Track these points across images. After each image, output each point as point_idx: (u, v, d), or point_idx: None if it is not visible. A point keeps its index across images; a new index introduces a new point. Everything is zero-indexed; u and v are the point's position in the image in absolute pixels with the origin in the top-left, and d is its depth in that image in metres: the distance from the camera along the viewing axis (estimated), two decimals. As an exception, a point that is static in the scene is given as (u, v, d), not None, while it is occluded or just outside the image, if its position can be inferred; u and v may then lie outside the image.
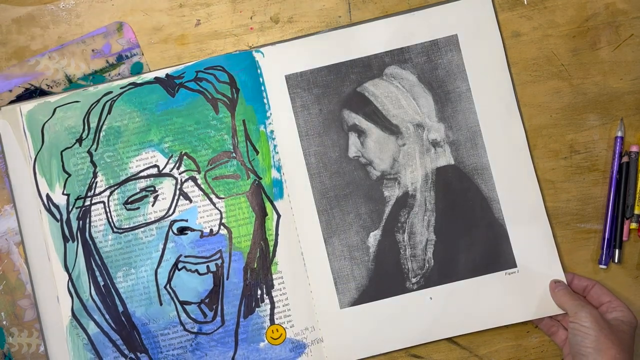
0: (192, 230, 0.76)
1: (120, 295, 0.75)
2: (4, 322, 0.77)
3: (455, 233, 0.77)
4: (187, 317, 0.75)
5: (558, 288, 0.74)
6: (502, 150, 0.77)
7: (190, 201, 0.76)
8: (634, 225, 0.77)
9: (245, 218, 0.76)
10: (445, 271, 0.76)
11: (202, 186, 0.76)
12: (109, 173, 0.76)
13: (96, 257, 0.76)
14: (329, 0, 0.79)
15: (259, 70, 0.78)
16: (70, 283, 0.75)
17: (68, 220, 0.76)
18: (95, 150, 0.76)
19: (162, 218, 0.76)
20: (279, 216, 0.77)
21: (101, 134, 0.77)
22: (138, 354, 0.75)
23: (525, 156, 0.77)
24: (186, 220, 0.76)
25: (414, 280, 0.76)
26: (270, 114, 0.77)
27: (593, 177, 0.78)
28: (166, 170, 0.76)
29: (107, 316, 0.75)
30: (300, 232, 0.77)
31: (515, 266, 0.76)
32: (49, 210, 0.76)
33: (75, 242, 0.76)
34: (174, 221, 0.76)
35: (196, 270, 0.75)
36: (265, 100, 0.77)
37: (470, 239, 0.76)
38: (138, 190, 0.76)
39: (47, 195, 0.76)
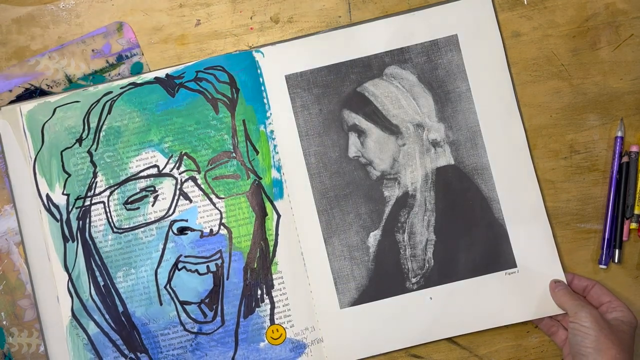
0: (192, 230, 0.76)
1: (120, 295, 0.75)
2: (4, 322, 0.77)
3: (455, 233, 0.77)
4: (187, 317, 0.75)
5: (558, 288, 0.74)
6: (502, 150, 0.77)
7: (190, 201, 0.76)
8: (634, 225, 0.77)
9: (245, 218, 0.76)
10: (445, 271, 0.76)
11: (202, 186, 0.76)
12: (109, 173, 0.76)
13: (96, 257, 0.76)
14: (329, 0, 0.79)
15: (259, 70, 0.78)
16: (70, 283, 0.75)
17: (68, 220, 0.76)
18: (95, 150, 0.76)
19: (162, 218, 0.76)
20: (279, 216, 0.77)
21: (101, 134, 0.77)
22: (138, 354, 0.75)
23: (525, 156, 0.77)
24: (186, 220, 0.76)
25: (414, 280, 0.76)
26: (270, 114, 0.77)
27: (593, 177, 0.78)
28: (166, 170, 0.76)
29: (107, 316, 0.75)
30: (300, 232, 0.77)
31: (515, 266, 0.76)
32: (48, 210, 0.76)
33: (75, 242, 0.76)
34: (174, 221, 0.76)
35: (196, 270, 0.75)
36: (265, 100, 0.77)
37: (470, 239, 0.76)
38: (138, 190, 0.76)
39: (47, 195, 0.76)
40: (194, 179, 0.76)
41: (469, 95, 0.78)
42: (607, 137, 0.78)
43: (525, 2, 0.79)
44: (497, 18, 0.78)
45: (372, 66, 0.78)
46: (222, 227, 0.76)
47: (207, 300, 0.75)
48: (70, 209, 0.76)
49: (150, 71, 0.78)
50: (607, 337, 0.67)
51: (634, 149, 0.77)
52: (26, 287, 0.77)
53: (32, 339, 0.77)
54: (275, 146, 0.77)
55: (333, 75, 0.78)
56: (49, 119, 0.77)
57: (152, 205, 0.76)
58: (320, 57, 0.78)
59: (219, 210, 0.76)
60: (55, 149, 0.76)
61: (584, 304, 0.71)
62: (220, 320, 0.75)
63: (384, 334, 0.76)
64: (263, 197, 0.77)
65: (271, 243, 0.76)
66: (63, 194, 0.76)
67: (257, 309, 0.76)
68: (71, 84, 0.79)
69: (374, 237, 0.77)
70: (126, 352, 0.75)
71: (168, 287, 0.75)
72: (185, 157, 0.76)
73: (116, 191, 0.76)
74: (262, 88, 0.78)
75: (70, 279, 0.75)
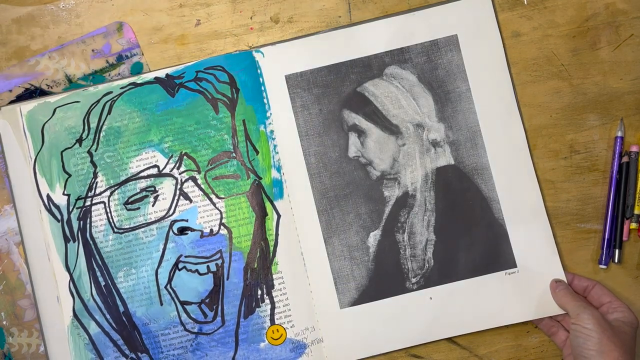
0: (193, 230, 0.76)
1: (121, 295, 0.75)
2: (4, 322, 0.77)
3: (455, 233, 0.77)
4: (187, 317, 0.75)
5: (559, 288, 0.74)
6: (502, 150, 0.77)
7: (191, 201, 0.76)
8: (634, 225, 0.77)
9: (245, 218, 0.76)
10: (445, 271, 0.76)
11: (202, 186, 0.76)
12: (109, 173, 0.76)
13: (97, 257, 0.76)
14: (329, 0, 0.79)
15: (259, 70, 0.78)
16: (71, 283, 0.75)
17: (69, 220, 0.76)
18: (95, 151, 0.76)
19: (163, 218, 0.76)
20: (279, 216, 0.77)
21: (101, 134, 0.77)
22: (139, 354, 0.75)
23: (525, 156, 0.77)
24: (186, 220, 0.76)
25: (414, 280, 0.76)
26: (270, 114, 0.77)
27: (593, 177, 0.78)
28: (166, 171, 0.76)
29: (108, 316, 0.75)
30: (300, 232, 0.77)
31: (515, 266, 0.76)
32: (49, 211, 0.76)
33: (76, 243, 0.76)
34: (174, 221, 0.76)
35: (196, 271, 0.75)
36: (265, 100, 0.77)
37: (470, 239, 0.76)
38: (138, 191, 0.76)
39: (48, 196, 0.76)
40: (194, 179, 0.76)
41: (469, 95, 0.78)
42: (607, 137, 0.78)
43: (525, 2, 0.79)
44: (497, 18, 0.78)
45: (372, 66, 0.78)
46: (222, 227, 0.76)
47: (207, 301, 0.75)
48: (71, 209, 0.76)
49: (150, 71, 0.78)
50: (609, 339, 0.67)
51: (634, 149, 0.77)
52: (26, 287, 0.77)
53: (32, 339, 0.77)
54: (275, 146, 0.77)
55: (333, 75, 0.78)
56: (49, 119, 0.77)
57: (153, 206, 0.76)
58: (320, 57, 0.78)
59: (219, 210, 0.76)
60: (56, 149, 0.76)
61: (585, 305, 0.70)
62: (220, 321, 0.75)
63: (384, 334, 0.76)
64: (263, 197, 0.77)
65: (271, 243, 0.76)
66: (63, 194, 0.76)
67: (257, 309, 0.76)
68: (71, 84, 0.79)
69: (374, 237, 0.77)
70: (127, 352, 0.75)
71: (168, 287, 0.75)
72: (185, 157, 0.76)
73: (116, 191, 0.76)
74: (262, 88, 0.78)
75: (72, 279, 0.75)
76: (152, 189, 0.76)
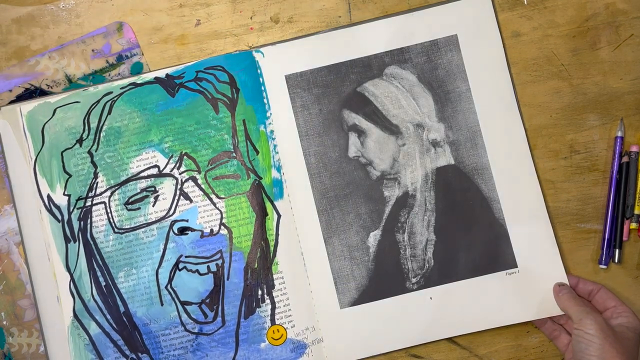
0: (193, 230, 0.76)
1: (121, 295, 0.75)
2: (4, 322, 0.77)
3: (455, 233, 0.77)
4: (188, 317, 0.75)
5: (562, 292, 0.73)
6: (502, 150, 0.77)
7: (191, 201, 0.76)
8: (634, 225, 0.77)
9: (245, 218, 0.76)
10: (445, 271, 0.76)
11: (203, 186, 0.76)
12: (109, 173, 0.76)
13: (97, 257, 0.76)
14: (329, 0, 0.79)
15: (259, 70, 0.78)
16: (72, 283, 0.75)
17: (69, 220, 0.76)
18: (95, 151, 0.76)
19: (163, 218, 0.76)
20: (279, 216, 0.77)
21: (101, 135, 0.77)
22: (139, 354, 0.75)
23: (526, 156, 0.77)
24: (187, 221, 0.76)
25: (414, 280, 0.76)
26: (270, 114, 0.77)
27: (593, 177, 0.78)
28: (166, 171, 0.76)
29: (108, 316, 0.75)
30: (300, 232, 0.77)
31: (516, 266, 0.76)
32: (50, 211, 0.76)
33: (77, 243, 0.76)
34: (175, 221, 0.76)
35: (197, 271, 0.75)
36: (265, 100, 0.77)
37: (471, 239, 0.77)
38: (139, 191, 0.76)
39: (48, 196, 0.76)
40: (194, 179, 0.76)
41: (469, 95, 0.78)
42: (607, 137, 0.78)
43: (525, 2, 0.79)
44: (497, 18, 0.78)
45: (372, 66, 0.78)
46: (222, 227, 0.76)
47: (207, 301, 0.75)
48: (71, 210, 0.76)
49: (150, 71, 0.78)
50: (611, 346, 0.66)
51: (634, 149, 0.77)
52: (26, 287, 0.77)
53: (32, 339, 0.77)
54: (275, 146, 0.77)
55: (333, 75, 0.78)
56: (49, 119, 0.77)
57: (153, 206, 0.76)
58: (320, 57, 0.78)
59: (220, 210, 0.76)
60: (56, 150, 0.76)
61: (589, 310, 0.70)
62: (220, 321, 0.75)
63: (384, 334, 0.76)
64: (263, 197, 0.77)
65: (271, 243, 0.76)
66: (64, 194, 0.76)
67: (257, 309, 0.76)
68: (71, 84, 0.79)
69: (374, 237, 0.77)
70: (127, 352, 0.75)
71: (169, 287, 0.75)
72: (185, 157, 0.76)
73: (117, 191, 0.76)
74: (262, 88, 0.78)
75: (72, 279, 0.75)
76: (153, 189, 0.76)
